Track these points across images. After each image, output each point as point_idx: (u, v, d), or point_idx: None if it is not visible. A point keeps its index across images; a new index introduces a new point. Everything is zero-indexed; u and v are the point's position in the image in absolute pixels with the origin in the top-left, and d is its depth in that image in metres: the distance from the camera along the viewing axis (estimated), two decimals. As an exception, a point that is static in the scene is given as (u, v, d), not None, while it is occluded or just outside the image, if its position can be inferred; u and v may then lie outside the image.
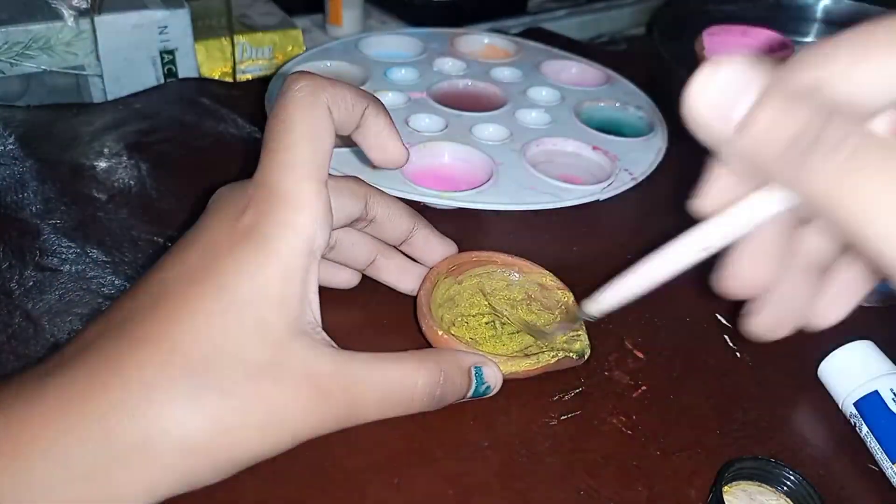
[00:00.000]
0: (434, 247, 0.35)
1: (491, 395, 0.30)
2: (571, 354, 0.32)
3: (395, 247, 0.35)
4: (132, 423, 0.21)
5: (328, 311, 0.26)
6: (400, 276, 0.35)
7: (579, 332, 0.33)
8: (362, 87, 0.28)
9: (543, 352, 0.31)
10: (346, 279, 0.35)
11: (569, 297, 0.35)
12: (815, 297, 0.23)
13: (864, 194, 0.16)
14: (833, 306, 0.23)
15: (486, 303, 0.35)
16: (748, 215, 0.21)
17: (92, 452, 0.21)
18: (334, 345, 0.25)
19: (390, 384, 0.26)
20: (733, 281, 0.23)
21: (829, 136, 0.17)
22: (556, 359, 0.31)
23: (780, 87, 0.18)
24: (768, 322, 0.24)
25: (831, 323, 0.24)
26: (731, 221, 0.21)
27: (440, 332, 0.31)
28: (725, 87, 0.18)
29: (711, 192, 0.22)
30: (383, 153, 0.29)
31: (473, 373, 0.29)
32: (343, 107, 0.27)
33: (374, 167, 0.31)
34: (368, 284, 0.36)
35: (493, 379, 0.30)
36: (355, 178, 0.31)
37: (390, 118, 0.29)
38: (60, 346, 0.32)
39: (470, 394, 0.29)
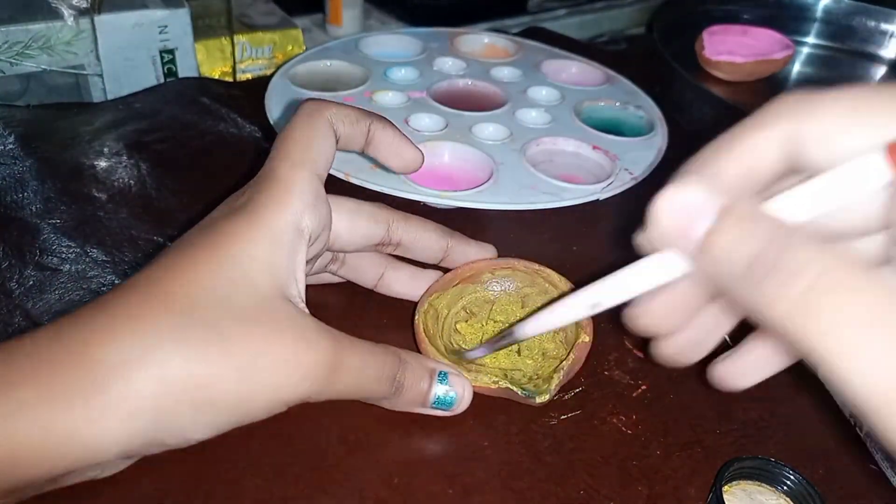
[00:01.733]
0: (472, 257, 0.35)
1: (459, 410, 0.29)
2: (517, 389, 0.30)
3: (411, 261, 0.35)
4: (112, 348, 0.22)
5: (326, 313, 0.26)
6: (412, 285, 0.35)
7: (552, 377, 0.30)
8: (363, 86, 0.30)
9: (489, 375, 0.30)
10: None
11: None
12: (732, 358, 0.23)
13: (823, 328, 0.15)
14: (747, 375, 0.23)
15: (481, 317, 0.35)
16: (646, 279, 0.21)
17: (73, 373, 0.22)
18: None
19: (368, 357, 0.27)
20: (642, 321, 0.23)
21: (788, 263, 0.16)
22: (497, 385, 0.30)
23: (740, 207, 0.18)
24: (672, 353, 0.24)
25: (742, 388, 0.24)
26: (627, 283, 0.22)
27: (478, 385, 0.30)
28: (686, 207, 0.19)
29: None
30: (400, 160, 0.32)
31: (437, 376, 0.29)
32: (346, 121, 0.29)
33: (387, 170, 0.33)
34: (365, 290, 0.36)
35: (460, 387, 0.29)
36: (379, 203, 0.32)
37: (398, 129, 0.31)
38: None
39: (431, 396, 0.29)
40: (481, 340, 0.34)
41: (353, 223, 0.31)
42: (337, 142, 0.29)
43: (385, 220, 0.32)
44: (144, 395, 0.22)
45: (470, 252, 0.35)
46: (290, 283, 0.26)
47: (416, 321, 0.32)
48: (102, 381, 0.22)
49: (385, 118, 0.31)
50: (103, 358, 0.22)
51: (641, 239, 0.21)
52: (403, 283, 0.35)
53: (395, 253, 0.33)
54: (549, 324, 0.26)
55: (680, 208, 0.19)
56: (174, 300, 0.23)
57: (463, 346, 0.34)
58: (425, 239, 0.33)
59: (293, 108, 0.30)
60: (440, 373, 0.29)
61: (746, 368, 0.23)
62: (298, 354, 0.24)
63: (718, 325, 0.23)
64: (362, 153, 0.31)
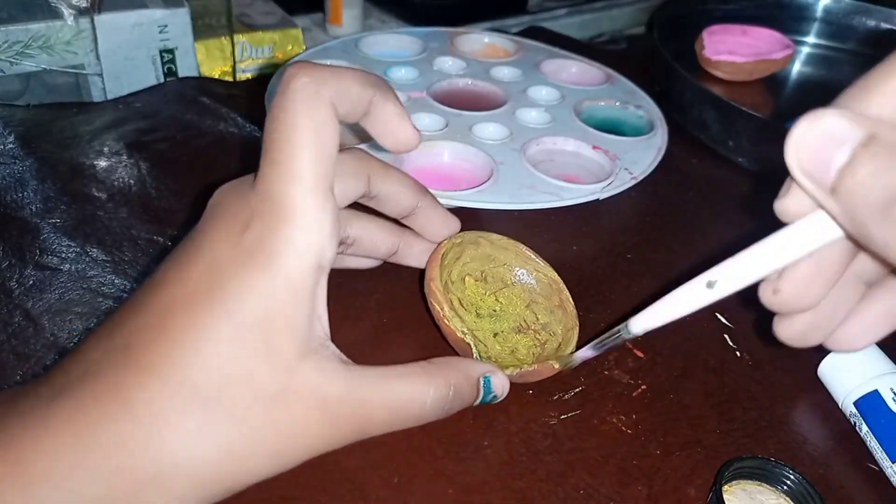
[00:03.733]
0: (436, 222, 0.34)
1: (497, 402, 0.30)
2: (553, 362, 0.30)
3: (401, 223, 0.34)
4: (143, 458, 0.21)
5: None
6: (424, 260, 0.34)
7: (569, 337, 0.33)
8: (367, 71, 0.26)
9: (513, 364, 0.31)
10: (366, 263, 0.36)
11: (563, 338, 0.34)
12: (849, 319, 0.22)
13: None
14: (863, 334, 0.23)
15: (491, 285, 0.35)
16: (800, 246, 0.19)
17: (104, 487, 0.21)
18: (344, 358, 0.25)
19: (400, 402, 0.26)
20: (780, 297, 0.21)
21: None
22: (534, 365, 0.30)
23: (885, 135, 0.17)
24: (800, 330, 0.23)
25: (856, 349, 0.23)
26: (771, 255, 0.20)
27: (446, 321, 0.30)
28: (825, 135, 0.18)
29: (797, 196, 0.19)
30: (393, 140, 0.27)
31: (482, 384, 0.28)
32: (349, 101, 0.25)
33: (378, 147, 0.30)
34: (368, 284, 0.36)
35: (501, 388, 0.29)
36: (359, 151, 0.30)
37: (398, 101, 0.27)
38: (62, 357, 0.32)
39: (477, 402, 0.29)
40: (475, 314, 0.34)
41: (340, 186, 0.28)
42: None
43: (365, 174, 0.30)
44: (178, 497, 0.22)
45: (435, 217, 0.34)
46: (312, 331, 0.24)
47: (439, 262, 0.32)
48: (136, 493, 0.21)
49: (388, 87, 0.27)
50: (135, 467, 0.21)
51: (779, 205, 0.20)
52: (414, 258, 0.35)
53: (370, 205, 0.32)
54: (665, 315, 0.24)
55: (819, 136, 0.18)
56: (197, 392, 0.22)
57: (459, 297, 0.34)
58: (400, 193, 0.31)
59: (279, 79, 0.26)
60: (484, 380, 0.28)
61: (863, 329, 0.22)
62: (328, 427, 0.24)
63: (848, 299, 0.22)
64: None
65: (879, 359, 0.33)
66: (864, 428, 0.31)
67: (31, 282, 0.35)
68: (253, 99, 0.50)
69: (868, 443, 0.31)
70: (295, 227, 0.23)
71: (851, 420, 0.32)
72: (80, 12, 0.49)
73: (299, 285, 0.23)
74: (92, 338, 0.24)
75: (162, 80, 0.53)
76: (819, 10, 0.72)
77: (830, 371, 0.33)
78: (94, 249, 0.38)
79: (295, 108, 0.23)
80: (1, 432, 0.21)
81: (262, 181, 0.24)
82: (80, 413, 0.21)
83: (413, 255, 0.35)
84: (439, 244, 0.34)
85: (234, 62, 0.57)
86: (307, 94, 0.23)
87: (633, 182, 0.45)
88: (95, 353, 0.23)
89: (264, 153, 0.24)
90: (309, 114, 0.23)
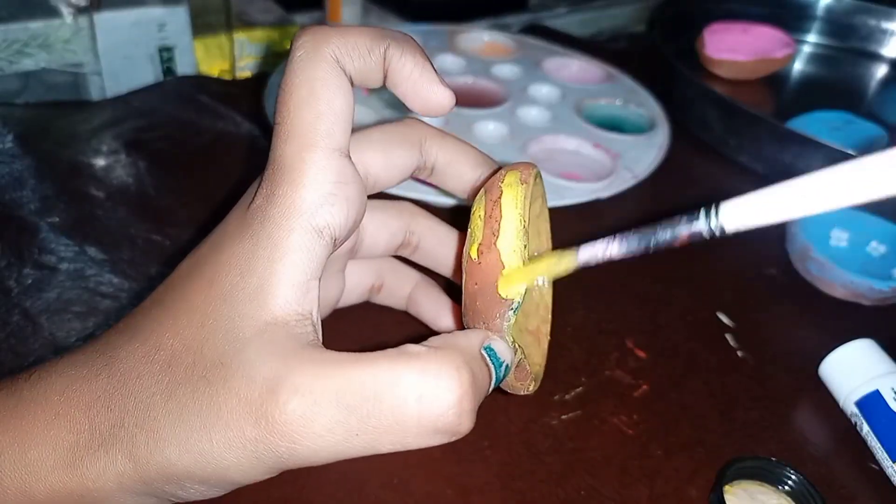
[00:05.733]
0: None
1: (509, 375, 0.24)
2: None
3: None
4: (110, 413, 0.21)
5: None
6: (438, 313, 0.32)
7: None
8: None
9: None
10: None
11: None
12: None
13: None
14: None
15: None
16: None
17: (75, 436, 0.20)
18: (318, 344, 0.21)
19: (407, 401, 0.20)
20: None
21: None
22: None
23: None
24: None
25: None
26: None
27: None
28: None
29: None
30: (419, 101, 0.24)
31: (488, 357, 0.22)
32: (357, 55, 0.22)
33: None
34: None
35: (507, 354, 0.23)
36: (410, 119, 0.27)
37: (420, 56, 0.23)
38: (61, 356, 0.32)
39: (492, 385, 0.23)
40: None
41: (387, 156, 0.25)
42: (351, 82, 0.23)
43: (417, 141, 0.26)
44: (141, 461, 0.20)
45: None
46: (284, 301, 0.21)
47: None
48: (101, 446, 0.20)
49: (408, 41, 0.24)
50: (101, 421, 0.21)
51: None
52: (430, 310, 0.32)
53: (427, 180, 0.28)
54: (774, 210, 0.19)
55: None
56: (168, 359, 0.21)
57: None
58: (460, 164, 0.27)
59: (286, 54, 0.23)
60: (486, 349, 0.22)
61: None
62: (246, 450, 0.20)
63: None
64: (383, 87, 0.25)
65: (880, 358, 0.32)
66: (865, 428, 0.31)
67: (29, 281, 0.35)
68: (252, 97, 0.50)
69: (869, 443, 0.31)
70: (287, 185, 0.21)
71: (852, 420, 0.32)
72: (80, 11, 0.48)
73: (280, 245, 0.21)
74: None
75: (161, 78, 0.53)
76: (820, 8, 0.72)
77: (831, 371, 0.33)
78: (93, 248, 0.38)
79: (293, 68, 0.22)
80: None
81: (271, 148, 0.22)
82: (69, 368, 0.22)
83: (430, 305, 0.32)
84: (519, 168, 0.25)
85: (233, 60, 0.57)
86: (305, 52, 0.22)
87: (635, 181, 0.45)
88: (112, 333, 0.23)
89: (274, 118, 0.23)
90: (305, 71, 0.22)
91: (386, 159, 0.25)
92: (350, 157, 0.22)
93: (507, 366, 0.23)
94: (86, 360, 0.22)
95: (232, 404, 0.19)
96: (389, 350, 0.20)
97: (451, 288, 0.32)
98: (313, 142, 0.21)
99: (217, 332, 0.20)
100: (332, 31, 0.22)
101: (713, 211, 0.20)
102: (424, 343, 0.21)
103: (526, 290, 0.23)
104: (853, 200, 0.18)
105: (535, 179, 0.26)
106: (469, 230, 0.24)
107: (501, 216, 0.23)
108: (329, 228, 0.21)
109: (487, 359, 0.22)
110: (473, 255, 0.24)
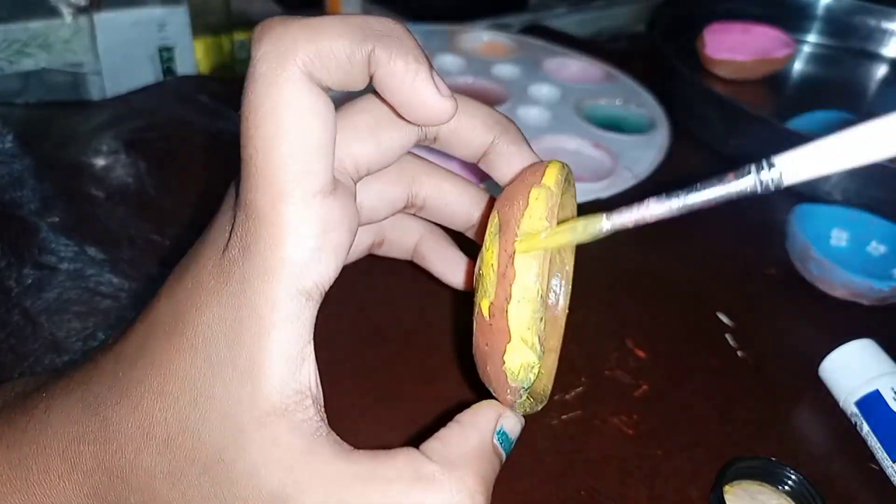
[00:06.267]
0: (516, 168, 0.25)
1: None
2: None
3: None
4: (113, 483, 0.20)
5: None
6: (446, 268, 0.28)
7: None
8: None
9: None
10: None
11: None
12: None
13: None
14: None
15: None
16: None
17: (84, 500, 0.20)
18: (322, 434, 0.19)
19: None
20: None
21: None
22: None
23: None
24: None
25: None
26: None
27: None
28: None
29: None
30: (410, 109, 0.20)
31: (498, 443, 0.22)
32: (335, 65, 0.18)
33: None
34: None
35: (516, 430, 0.23)
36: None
37: (415, 56, 0.20)
38: (59, 355, 0.31)
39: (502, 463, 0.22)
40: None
41: (378, 142, 0.21)
42: (328, 90, 0.19)
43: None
44: None
45: (517, 162, 0.24)
46: (282, 382, 0.19)
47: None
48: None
49: (399, 35, 0.19)
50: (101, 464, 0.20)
51: None
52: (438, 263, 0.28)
53: (433, 146, 0.24)
54: (831, 160, 0.18)
55: None
56: (151, 431, 0.19)
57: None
58: (470, 129, 0.23)
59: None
60: (499, 435, 0.22)
61: None
62: None
63: None
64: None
65: (880, 358, 0.32)
66: (865, 428, 0.31)
67: (29, 281, 0.35)
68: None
69: (869, 442, 0.31)
70: (264, 241, 0.18)
71: (852, 420, 0.32)
72: (80, 11, 0.48)
73: (266, 320, 0.18)
74: (95, 352, 0.23)
75: (161, 78, 0.53)
76: (820, 8, 0.72)
77: (831, 371, 0.33)
78: (93, 248, 0.38)
79: (256, 90, 0.18)
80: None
81: (240, 186, 0.19)
82: (67, 412, 0.21)
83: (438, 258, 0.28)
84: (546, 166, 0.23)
85: (233, 60, 0.57)
86: (269, 69, 0.18)
87: (635, 181, 0.45)
88: (102, 358, 0.22)
89: (240, 149, 0.19)
90: (270, 94, 0.18)
91: (378, 145, 0.21)
92: (336, 192, 0.19)
93: (515, 439, 0.23)
94: (79, 418, 0.21)
95: None
96: (403, 465, 0.19)
97: (461, 239, 0.29)
98: (289, 189, 0.18)
99: (211, 414, 0.19)
100: (300, 35, 0.18)
101: (765, 165, 0.19)
102: (437, 450, 0.20)
103: (539, 369, 0.21)
104: None
105: (563, 197, 0.23)
106: (480, 272, 0.22)
107: (514, 278, 0.20)
108: (318, 287, 0.19)
109: (499, 446, 0.22)
110: (485, 312, 0.21)
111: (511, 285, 0.20)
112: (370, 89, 0.21)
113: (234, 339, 0.19)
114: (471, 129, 0.23)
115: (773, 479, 0.29)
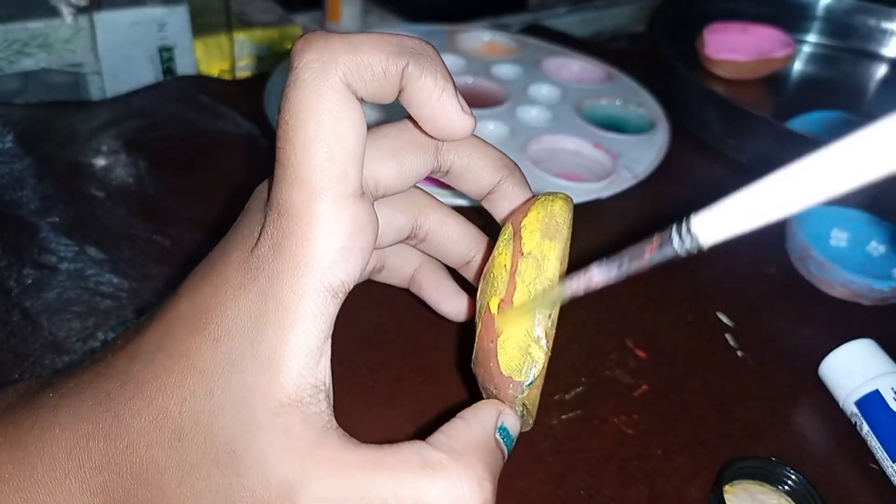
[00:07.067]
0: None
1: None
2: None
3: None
4: (122, 479, 0.20)
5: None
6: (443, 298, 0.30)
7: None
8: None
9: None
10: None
11: None
12: None
13: None
14: None
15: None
16: None
17: (90, 498, 0.20)
18: (332, 427, 0.20)
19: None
20: None
21: None
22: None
23: None
24: None
25: None
26: None
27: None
28: None
29: None
30: (433, 125, 0.22)
31: (501, 439, 0.22)
32: (371, 77, 0.20)
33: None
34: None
35: (517, 428, 0.24)
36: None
37: (443, 75, 0.22)
38: (59, 355, 0.31)
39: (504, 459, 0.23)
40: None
41: (400, 165, 0.23)
42: (362, 100, 0.20)
43: (433, 144, 0.24)
44: None
45: (517, 203, 0.26)
46: (299, 375, 0.19)
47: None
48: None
49: (429, 55, 0.21)
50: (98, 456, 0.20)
51: None
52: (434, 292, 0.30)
53: (443, 180, 0.26)
54: (746, 218, 0.18)
55: None
56: (171, 424, 0.20)
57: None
58: (479, 168, 0.25)
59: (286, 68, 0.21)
60: (500, 430, 0.22)
61: None
62: None
63: None
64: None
65: (880, 358, 0.32)
66: (865, 428, 0.31)
67: (29, 281, 0.35)
68: (252, 97, 0.50)
69: (869, 442, 0.31)
70: (296, 238, 0.19)
71: (852, 420, 0.32)
72: (80, 11, 0.48)
73: (292, 311, 0.19)
74: (111, 344, 0.23)
75: (161, 78, 0.53)
76: (820, 8, 0.72)
77: (831, 371, 0.33)
78: (93, 248, 0.38)
79: (297, 96, 0.19)
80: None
81: (273, 187, 0.20)
82: (77, 410, 0.21)
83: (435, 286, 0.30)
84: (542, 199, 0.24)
85: (233, 60, 0.57)
86: (312, 77, 0.19)
87: (635, 181, 0.45)
88: (100, 364, 0.22)
89: (276, 152, 0.20)
90: (312, 101, 0.19)
91: (399, 168, 0.23)
92: (364, 197, 0.20)
93: (516, 438, 0.23)
94: (88, 415, 0.21)
95: (247, 500, 0.19)
96: (410, 454, 0.20)
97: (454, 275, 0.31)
98: (324, 189, 0.19)
99: (226, 406, 0.19)
100: (340, 49, 0.19)
101: (684, 227, 0.19)
102: (442, 441, 0.21)
103: (543, 365, 0.22)
104: (829, 193, 0.16)
105: (568, 228, 0.24)
106: (491, 271, 0.23)
107: (526, 275, 0.22)
108: (344, 286, 0.20)
109: (501, 442, 0.22)
110: (493, 309, 0.22)
111: (523, 283, 0.22)
112: (396, 106, 0.22)
113: (257, 331, 0.19)
114: (482, 168, 0.25)
115: (773, 479, 0.29)
